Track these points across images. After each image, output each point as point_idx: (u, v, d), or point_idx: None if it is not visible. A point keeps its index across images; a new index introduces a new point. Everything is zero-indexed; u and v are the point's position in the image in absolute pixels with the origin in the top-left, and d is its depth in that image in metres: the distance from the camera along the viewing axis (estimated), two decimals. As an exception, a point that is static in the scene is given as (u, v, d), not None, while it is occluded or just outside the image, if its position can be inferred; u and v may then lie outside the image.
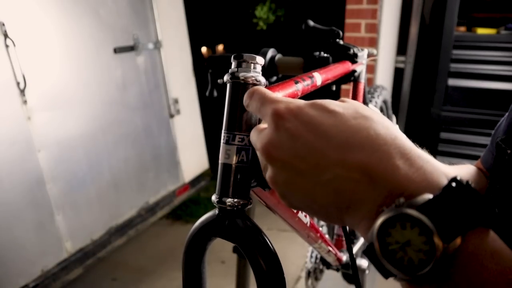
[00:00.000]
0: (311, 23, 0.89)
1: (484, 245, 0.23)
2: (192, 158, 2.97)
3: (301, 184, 0.29)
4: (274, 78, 0.92)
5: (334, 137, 0.28)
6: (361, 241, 1.19)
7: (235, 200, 0.38)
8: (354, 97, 0.97)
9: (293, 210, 0.34)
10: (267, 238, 0.39)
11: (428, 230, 0.22)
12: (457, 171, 0.26)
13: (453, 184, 0.23)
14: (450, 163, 0.35)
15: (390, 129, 0.28)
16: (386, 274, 0.25)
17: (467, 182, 0.24)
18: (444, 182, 0.24)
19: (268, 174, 0.32)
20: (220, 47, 3.17)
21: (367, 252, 0.25)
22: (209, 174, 3.16)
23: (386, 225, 0.24)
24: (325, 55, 0.82)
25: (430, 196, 0.23)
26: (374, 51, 0.93)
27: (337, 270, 1.08)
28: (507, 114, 0.48)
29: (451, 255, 0.23)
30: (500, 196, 0.40)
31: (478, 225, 0.23)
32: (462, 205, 0.23)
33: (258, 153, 0.34)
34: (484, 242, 0.23)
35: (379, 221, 0.24)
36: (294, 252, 2.16)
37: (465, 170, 0.52)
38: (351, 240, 0.70)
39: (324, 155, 0.28)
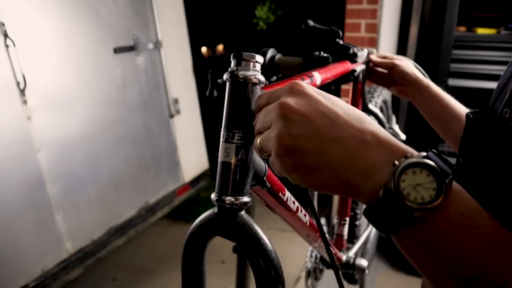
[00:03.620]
0: (311, 23, 0.89)
1: (466, 194, 0.30)
2: (192, 158, 2.97)
3: (318, 139, 0.31)
4: (274, 77, 0.92)
5: (346, 108, 0.33)
6: (360, 242, 1.19)
7: (235, 198, 0.38)
8: (354, 97, 0.97)
9: (300, 185, 0.35)
10: (266, 236, 0.39)
11: (436, 170, 0.29)
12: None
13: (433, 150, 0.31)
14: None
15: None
16: (390, 227, 0.30)
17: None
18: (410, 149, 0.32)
19: (282, 130, 0.32)
20: (220, 47, 3.17)
21: (377, 204, 0.30)
22: (209, 174, 3.16)
23: (401, 172, 0.29)
24: (325, 54, 0.82)
25: (424, 154, 0.30)
26: (374, 51, 0.93)
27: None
28: None
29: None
30: (465, 165, 0.45)
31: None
32: (444, 161, 0.30)
33: (271, 110, 0.34)
34: (465, 193, 0.30)
35: (400, 167, 0.29)
36: (294, 252, 2.16)
37: None
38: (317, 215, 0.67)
39: (340, 118, 0.32)
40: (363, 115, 0.33)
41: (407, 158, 0.30)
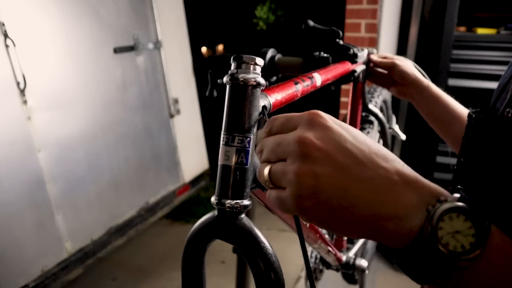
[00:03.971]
0: (311, 23, 0.89)
1: (503, 235, 0.28)
2: (192, 158, 2.97)
3: (342, 178, 0.29)
4: (274, 78, 0.92)
5: (371, 144, 0.31)
6: (360, 242, 1.19)
7: (234, 201, 0.38)
8: (354, 97, 0.97)
9: (315, 225, 0.33)
10: (266, 239, 0.39)
11: (474, 215, 0.27)
12: None
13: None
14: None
15: None
16: (427, 277, 0.28)
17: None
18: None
19: (304, 168, 0.29)
20: (220, 47, 3.17)
21: (411, 252, 0.28)
22: (209, 174, 3.16)
23: (439, 219, 0.27)
24: (325, 55, 0.82)
25: (458, 196, 0.28)
26: (374, 51, 0.93)
27: (337, 270, 1.08)
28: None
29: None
30: (467, 164, 0.44)
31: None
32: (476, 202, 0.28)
33: (288, 143, 0.31)
34: (501, 233, 0.28)
35: (437, 214, 0.27)
36: (294, 252, 2.16)
37: None
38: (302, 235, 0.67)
39: (366, 156, 0.30)
40: (388, 152, 0.31)
41: (441, 202, 0.28)
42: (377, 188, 0.29)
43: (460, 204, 0.27)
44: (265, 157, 0.34)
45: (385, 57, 0.88)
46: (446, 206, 0.27)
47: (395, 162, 0.30)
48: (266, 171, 0.33)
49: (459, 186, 0.29)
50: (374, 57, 0.88)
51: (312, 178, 0.29)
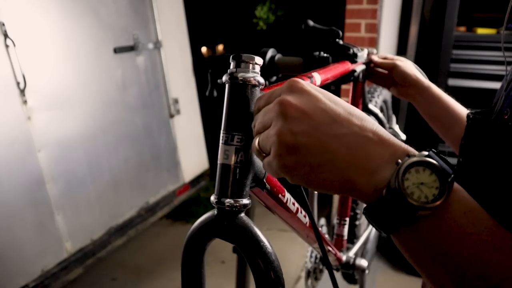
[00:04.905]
0: (311, 23, 0.89)
1: (465, 193, 0.30)
2: (192, 158, 2.97)
3: (319, 135, 0.31)
4: (274, 78, 0.92)
5: (346, 106, 0.33)
6: (360, 242, 1.19)
7: (234, 200, 0.38)
8: (354, 97, 0.97)
9: (299, 184, 0.34)
10: (266, 238, 0.39)
11: (439, 169, 0.29)
12: None
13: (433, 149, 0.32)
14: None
15: None
16: (391, 227, 0.30)
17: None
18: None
19: (282, 127, 0.32)
20: (220, 47, 3.17)
21: (379, 203, 0.30)
22: (209, 174, 3.16)
23: (405, 171, 0.29)
24: (325, 55, 0.82)
25: (426, 153, 0.30)
26: (374, 51, 0.93)
27: (337, 270, 1.08)
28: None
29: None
30: (466, 165, 0.45)
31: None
32: (444, 161, 0.31)
33: (271, 109, 0.34)
34: (464, 192, 0.30)
35: (404, 166, 0.29)
36: (294, 252, 2.16)
37: None
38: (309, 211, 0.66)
39: (341, 115, 0.32)
40: (363, 113, 0.33)
41: (409, 157, 0.30)
42: (351, 144, 0.31)
43: (427, 159, 0.30)
44: (255, 129, 0.36)
45: (385, 58, 0.88)
46: (413, 159, 0.29)
47: (369, 122, 0.32)
48: (256, 141, 0.35)
49: (433, 150, 0.31)
50: (375, 57, 0.89)
51: (291, 136, 0.31)
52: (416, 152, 0.31)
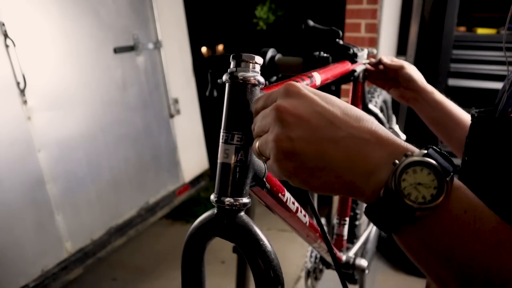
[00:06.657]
0: (311, 23, 0.89)
1: (467, 191, 0.30)
2: (192, 158, 2.97)
3: (316, 140, 0.31)
4: (274, 78, 0.92)
5: (344, 107, 0.33)
6: (360, 242, 1.19)
7: (234, 199, 0.38)
8: (354, 97, 0.97)
9: (300, 187, 0.34)
10: (266, 237, 0.39)
11: (436, 169, 0.29)
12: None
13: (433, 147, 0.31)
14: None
15: None
16: (391, 227, 0.30)
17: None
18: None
19: (279, 133, 0.32)
20: (220, 47, 3.17)
21: (378, 204, 0.30)
22: (209, 174, 3.16)
23: (402, 171, 0.29)
24: (325, 55, 0.82)
25: (424, 151, 0.30)
26: (374, 51, 0.94)
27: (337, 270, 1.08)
28: None
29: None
30: (471, 163, 0.45)
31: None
32: (445, 158, 0.30)
33: (268, 114, 0.34)
34: (466, 189, 0.30)
35: (401, 166, 0.29)
36: (294, 252, 2.16)
37: None
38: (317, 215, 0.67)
39: (338, 117, 0.32)
40: (362, 113, 0.33)
41: (407, 156, 0.30)
42: (349, 147, 0.31)
43: (425, 158, 0.29)
44: (255, 132, 0.36)
45: (392, 60, 0.88)
46: (410, 159, 0.29)
47: (367, 122, 0.32)
48: (256, 144, 0.35)
49: (434, 147, 0.31)
50: (384, 58, 0.88)
51: (288, 142, 0.31)
52: (415, 151, 0.31)
